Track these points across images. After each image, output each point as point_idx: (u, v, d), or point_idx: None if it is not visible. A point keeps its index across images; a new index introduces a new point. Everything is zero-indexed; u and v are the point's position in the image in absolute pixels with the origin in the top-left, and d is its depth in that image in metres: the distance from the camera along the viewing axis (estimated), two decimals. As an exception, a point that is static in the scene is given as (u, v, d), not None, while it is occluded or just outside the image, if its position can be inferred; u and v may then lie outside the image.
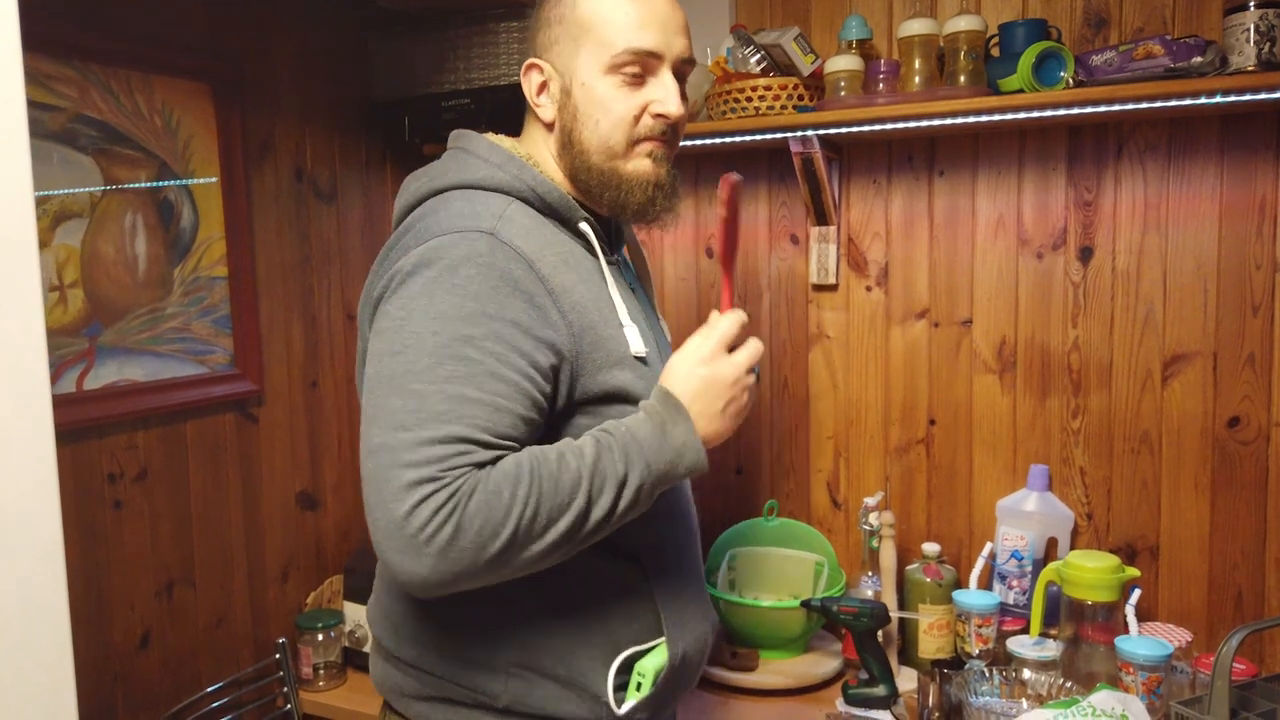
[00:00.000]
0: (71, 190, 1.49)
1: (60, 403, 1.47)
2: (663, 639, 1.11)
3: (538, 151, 1.16)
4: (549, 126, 1.13)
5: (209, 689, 1.70)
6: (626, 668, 1.10)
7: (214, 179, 1.72)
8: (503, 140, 1.15)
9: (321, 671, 1.84)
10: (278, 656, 1.81)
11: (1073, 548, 1.79)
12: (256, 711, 1.79)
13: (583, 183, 1.13)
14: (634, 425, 1.01)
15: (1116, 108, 1.57)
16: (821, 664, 1.79)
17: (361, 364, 1.08)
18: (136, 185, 1.59)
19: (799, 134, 1.78)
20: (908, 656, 1.80)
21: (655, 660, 1.09)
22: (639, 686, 1.08)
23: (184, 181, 1.67)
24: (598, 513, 0.97)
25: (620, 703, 1.08)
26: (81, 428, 1.50)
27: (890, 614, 1.69)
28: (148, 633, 1.62)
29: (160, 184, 1.63)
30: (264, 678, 1.80)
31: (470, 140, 1.14)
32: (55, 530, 0.88)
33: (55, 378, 1.47)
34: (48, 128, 1.45)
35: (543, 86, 1.13)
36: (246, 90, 1.78)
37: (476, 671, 1.07)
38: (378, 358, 0.97)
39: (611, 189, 1.12)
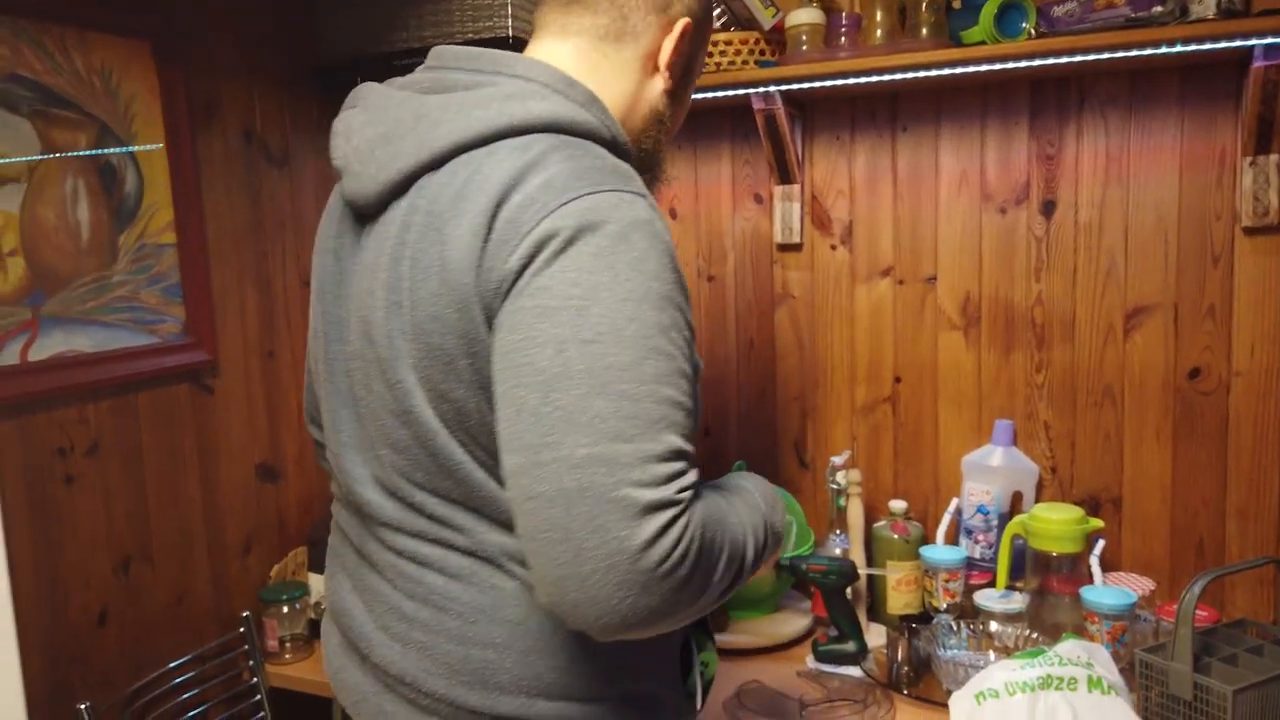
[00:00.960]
0: (11, 160, 1.43)
1: (5, 374, 1.42)
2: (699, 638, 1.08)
3: (610, 101, 0.99)
4: (636, 89, 1.03)
5: (171, 665, 1.67)
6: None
7: (159, 145, 1.65)
8: (565, 69, 0.96)
9: (288, 644, 1.81)
10: (242, 630, 1.78)
11: (1037, 501, 1.80)
12: (221, 686, 1.76)
13: (633, 156, 1.01)
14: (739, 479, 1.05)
15: (1078, 59, 1.56)
16: (791, 622, 1.79)
17: (432, 358, 0.88)
18: (78, 153, 1.52)
19: (761, 90, 1.75)
20: (877, 613, 1.81)
21: (706, 654, 1.07)
22: (703, 673, 1.05)
23: (128, 148, 1.61)
24: (751, 554, 0.92)
25: (692, 693, 1.04)
26: (28, 400, 1.45)
27: (858, 571, 1.69)
28: (105, 610, 1.58)
29: (100, 151, 1.56)
30: (228, 652, 1.78)
31: (533, 67, 0.94)
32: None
33: (-3, 349, 1.42)
34: (-21, 88, 1.39)
35: (677, 52, 1.03)
36: (190, 49, 1.71)
37: (582, 706, 0.93)
38: (559, 345, 0.79)
39: (649, 173, 1.07)
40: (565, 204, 0.83)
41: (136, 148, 1.62)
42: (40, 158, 1.48)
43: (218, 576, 1.79)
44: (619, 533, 0.76)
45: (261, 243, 1.88)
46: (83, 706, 1.47)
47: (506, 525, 0.91)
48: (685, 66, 1.06)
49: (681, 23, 1.03)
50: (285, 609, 1.80)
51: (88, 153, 1.55)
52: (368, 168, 0.94)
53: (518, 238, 0.83)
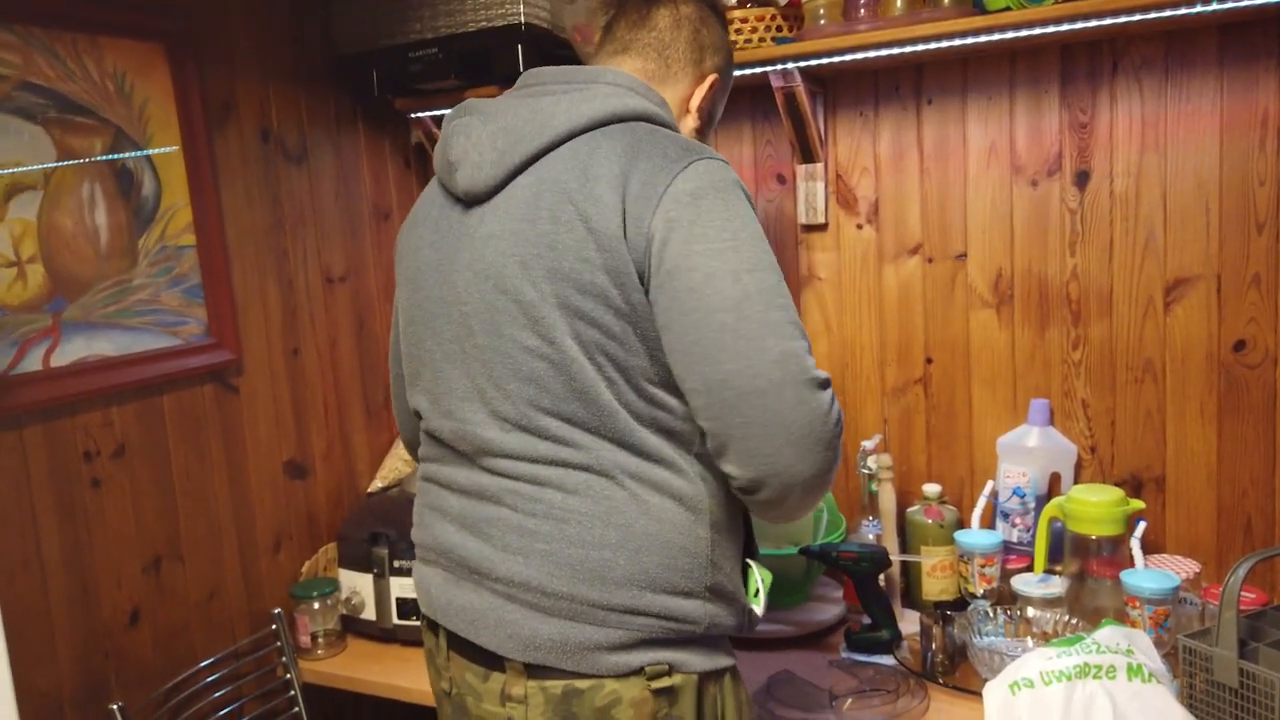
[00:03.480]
0: (27, 168, 1.44)
1: (28, 381, 1.43)
2: (751, 560, 1.22)
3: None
4: (683, 111, 1.27)
5: (204, 662, 1.69)
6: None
7: (174, 147, 1.66)
8: (644, 81, 1.21)
9: (320, 640, 1.82)
10: (274, 627, 1.79)
11: (1076, 482, 1.75)
12: (255, 683, 1.77)
13: None
14: None
15: (1108, 21, 1.49)
16: (823, 610, 1.76)
17: (580, 293, 1.06)
18: (94, 159, 1.53)
19: (779, 67, 1.70)
20: (912, 600, 1.77)
21: (760, 570, 1.21)
22: (756, 593, 1.19)
23: (144, 152, 1.61)
24: None
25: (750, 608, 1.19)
26: (52, 406, 1.47)
27: (891, 557, 1.66)
28: (137, 610, 1.60)
29: (116, 156, 1.57)
30: (261, 649, 1.79)
31: (618, 75, 1.18)
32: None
33: (20, 356, 1.43)
34: (-8, 97, 1.40)
35: (706, 100, 1.27)
36: (203, 49, 1.71)
37: (682, 600, 1.09)
38: (735, 275, 1.02)
39: None
40: (685, 168, 1.05)
41: (153, 151, 1.63)
42: (56, 165, 1.48)
43: (249, 574, 1.81)
44: (813, 404, 1.03)
45: (282, 241, 1.88)
46: (115, 707, 1.49)
47: (620, 442, 1.08)
48: (710, 111, 1.30)
49: (710, 77, 1.27)
50: (316, 605, 1.81)
51: (104, 158, 1.55)
52: (487, 156, 1.13)
53: (655, 197, 1.04)
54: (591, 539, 1.07)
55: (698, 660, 1.11)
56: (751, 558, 1.22)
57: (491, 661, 1.13)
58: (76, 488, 1.51)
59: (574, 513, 1.08)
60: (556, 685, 1.08)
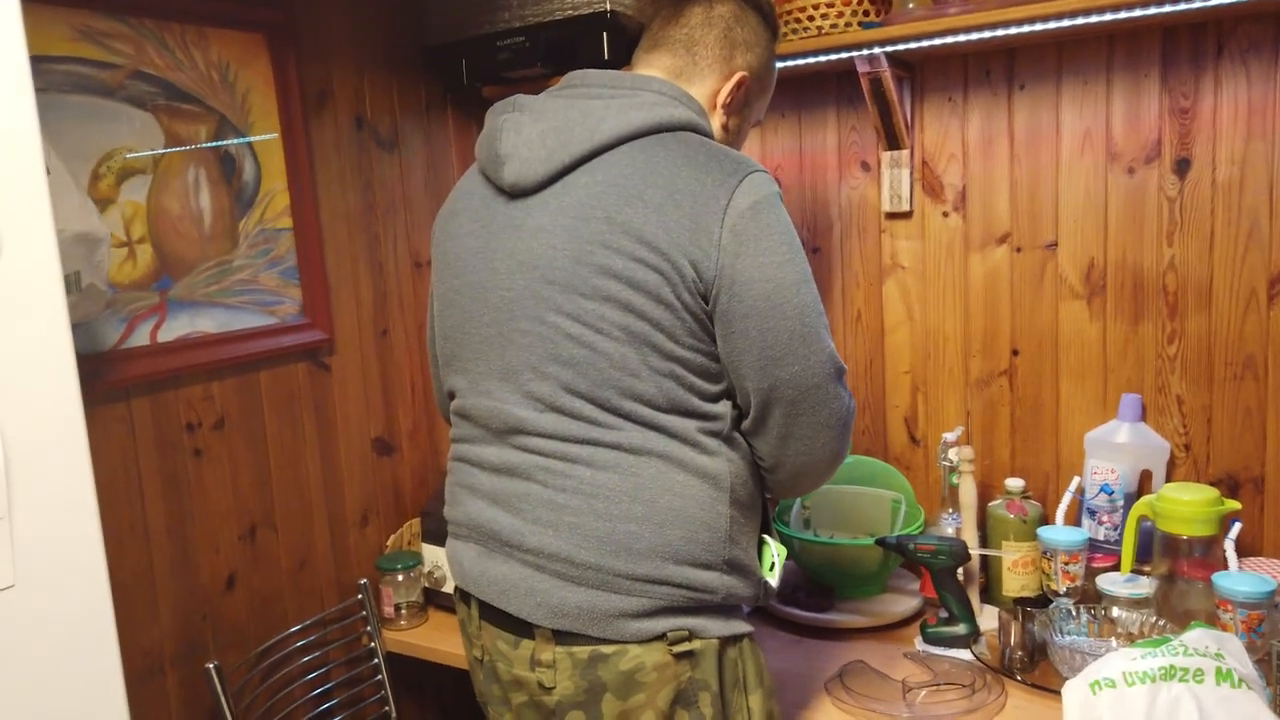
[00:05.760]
0: (139, 154, 1.52)
1: (136, 355, 1.52)
2: (766, 536, 1.29)
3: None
4: (712, 106, 1.31)
5: (294, 628, 1.76)
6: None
7: (274, 134, 1.73)
8: (678, 86, 1.26)
9: (403, 611, 1.89)
10: (360, 597, 1.86)
11: (1169, 480, 1.69)
12: (342, 649, 1.85)
13: None
14: None
15: (1214, 2, 1.43)
16: (900, 603, 1.74)
17: (632, 289, 1.12)
18: (199, 145, 1.61)
19: (865, 53, 1.68)
20: (991, 595, 1.74)
21: (776, 545, 1.28)
22: (771, 567, 1.27)
23: (246, 139, 1.68)
24: None
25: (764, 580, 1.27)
26: (158, 379, 1.55)
27: (970, 551, 1.63)
28: (233, 575, 1.68)
29: (220, 143, 1.64)
30: (348, 617, 1.86)
31: (663, 84, 1.24)
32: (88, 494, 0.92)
33: (129, 331, 1.51)
34: (107, 85, 1.48)
35: (733, 97, 1.31)
36: (301, 39, 1.78)
37: (701, 571, 1.16)
38: (796, 285, 1.14)
39: None
40: (741, 181, 1.13)
41: (254, 138, 1.70)
42: (165, 151, 1.56)
43: (337, 545, 1.88)
44: (844, 396, 1.20)
45: (374, 225, 1.94)
46: (211, 666, 1.57)
47: (652, 425, 1.14)
48: (742, 109, 1.34)
49: (739, 74, 1.30)
50: (400, 577, 1.87)
51: (209, 144, 1.63)
52: (537, 152, 1.18)
53: (720, 209, 1.11)
54: (619, 512, 1.13)
55: (716, 626, 1.17)
56: (767, 533, 1.29)
57: (521, 629, 1.19)
58: (179, 457, 1.59)
59: (602, 488, 1.14)
60: (583, 650, 1.15)
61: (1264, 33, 1.55)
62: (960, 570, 1.64)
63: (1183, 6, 1.45)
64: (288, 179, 1.75)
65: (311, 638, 1.79)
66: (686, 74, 1.28)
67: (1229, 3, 1.44)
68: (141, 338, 1.53)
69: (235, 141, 1.67)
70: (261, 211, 1.71)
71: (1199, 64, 1.60)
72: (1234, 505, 1.50)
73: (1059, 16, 1.51)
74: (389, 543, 1.97)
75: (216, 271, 1.64)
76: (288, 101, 1.74)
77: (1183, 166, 1.63)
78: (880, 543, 1.67)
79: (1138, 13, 1.49)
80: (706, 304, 1.13)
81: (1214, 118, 1.60)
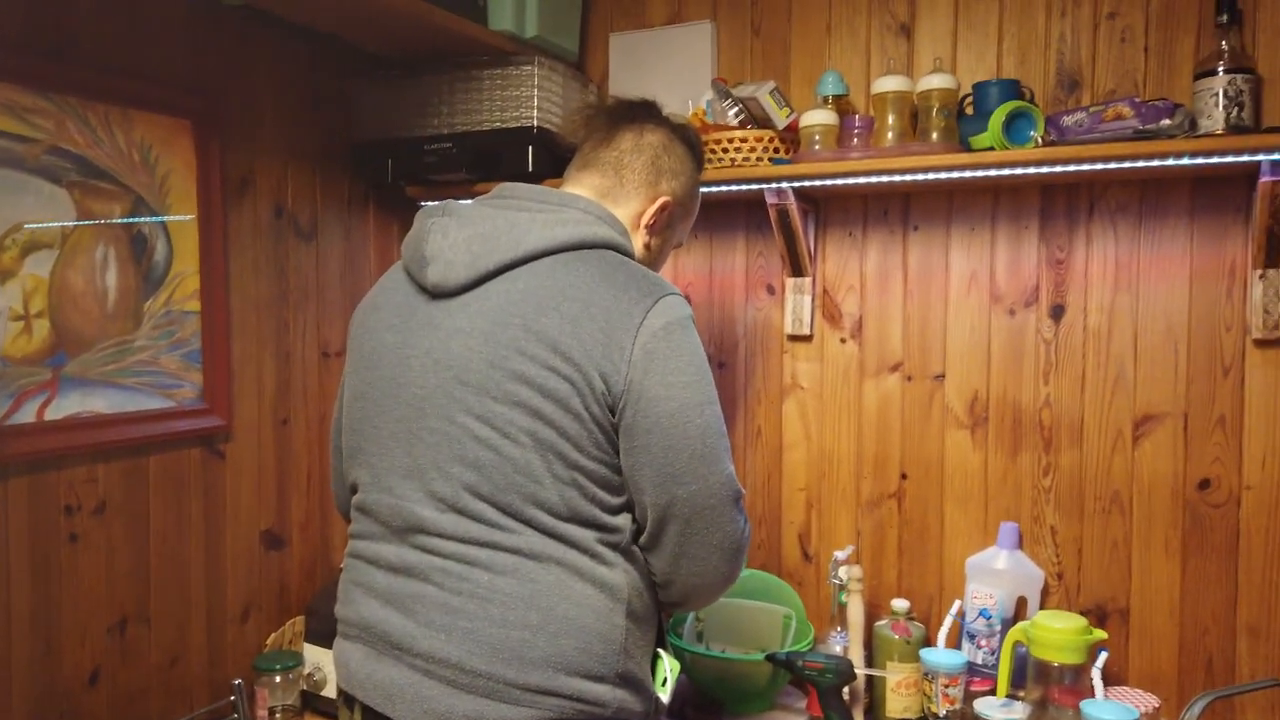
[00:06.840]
0: (44, 224, 1.50)
1: (19, 432, 1.46)
2: (661, 650, 1.30)
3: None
4: (635, 226, 1.36)
5: (159, 730, 1.67)
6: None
7: (190, 216, 1.72)
8: (603, 206, 1.32)
9: (278, 714, 1.80)
10: (233, 699, 1.77)
11: (1042, 607, 1.77)
12: (208, 754, 1.75)
13: None
14: None
15: (1086, 167, 1.58)
16: (786, 720, 1.75)
17: (542, 396, 1.15)
18: (110, 221, 1.59)
19: (774, 186, 1.79)
20: (875, 715, 1.77)
21: (669, 660, 1.29)
22: (664, 683, 1.27)
23: (160, 219, 1.67)
24: None
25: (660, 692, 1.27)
26: (40, 458, 1.49)
27: (856, 670, 1.66)
28: (97, 670, 1.59)
29: (134, 220, 1.63)
30: (218, 719, 1.77)
31: (589, 204, 1.29)
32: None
33: (15, 407, 1.46)
34: (22, 159, 1.46)
35: (656, 219, 1.37)
36: (228, 127, 1.80)
37: (593, 684, 1.16)
38: (700, 407, 1.18)
39: None
40: (656, 302, 1.18)
41: (169, 218, 1.69)
42: (74, 224, 1.54)
43: (214, 641, 1.80)
44: (740, 520, 1.23)
45: (284, 313, 1.93)
46: (65, 768, 1.47)
47: (552, 533, 1.15)
48: (662, 232, 1.40)
49: (662, 199, 1.37)
50: (278, 679, 1.80)
51: (120, 220, 1.61)
52: (461, 257, 1.21)
53: (634, 327, 1.15)
54: (514, 619, 1.14)
55: None
56: (662, 648, 1.30)
57: None
58: (53, 542, 1.52)
59: (499, 593, 1.14)
60: None
61: (1131, 197, 1.71)
62: (846, 689, 1.67)
63: (1059, 169, 1.60)
64: (200, 262, 1.74)
65: (176, 740, 1.69)
66: (613, 194, 1.34)
67: (1100, 169, 1.60)
68: (28, 414, 1.47)
69: (148, 220, 1.66)
70: (170, 293, 1.69)
71: (1073, 220, 1.76)
72: (1100, 635, 1.57)
73: (948, 169, 1.65)
74: (269, 641, 1.90)
75: (115, 351, 1.60)
76: (208, 186, 1.75)
77: (1058, 312, 1.77)
78: (770, 658, 1.68)
79: (1019, 171, 1.63)
80: (613, 416, 1.16)
81: (1085, 269, 1.75)
